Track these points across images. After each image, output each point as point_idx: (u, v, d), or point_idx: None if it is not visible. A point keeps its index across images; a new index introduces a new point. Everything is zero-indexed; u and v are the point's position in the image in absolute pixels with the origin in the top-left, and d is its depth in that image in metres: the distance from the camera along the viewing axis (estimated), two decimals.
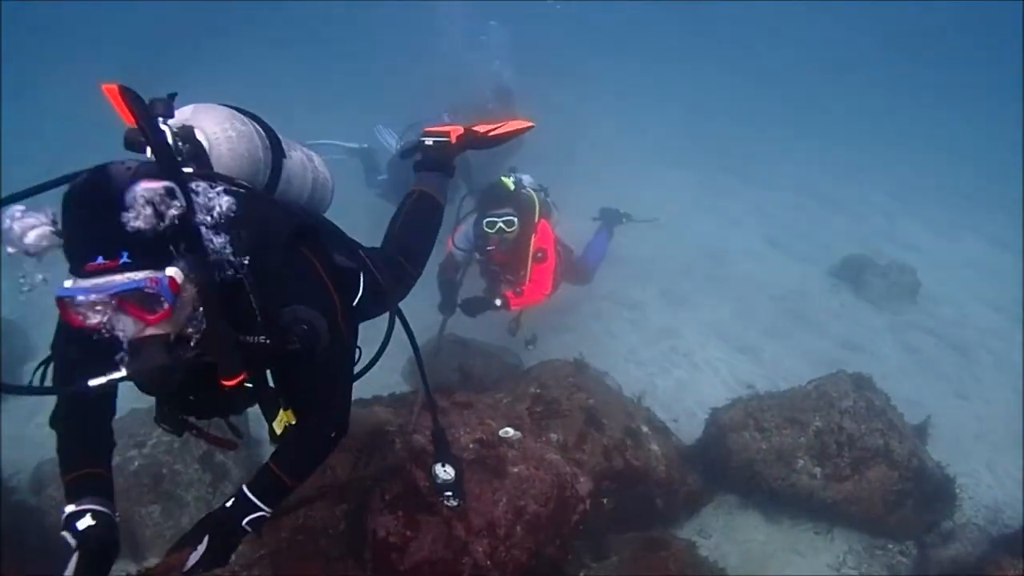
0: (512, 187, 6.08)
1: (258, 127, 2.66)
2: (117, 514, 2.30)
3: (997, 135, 16.37)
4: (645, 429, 4.90)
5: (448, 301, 6.28)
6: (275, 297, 2.18)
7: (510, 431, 3.74)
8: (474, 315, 6.21)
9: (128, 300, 1.83)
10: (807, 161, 13.51)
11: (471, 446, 3.60)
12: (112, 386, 2.23)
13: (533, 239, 6.07)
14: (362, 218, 5.32)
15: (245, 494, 2.39)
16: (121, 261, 1.79)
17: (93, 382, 1.92)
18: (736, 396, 5.69)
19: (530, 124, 3.80)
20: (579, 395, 4.74)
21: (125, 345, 1.90)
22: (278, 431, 2.36)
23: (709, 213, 10.71)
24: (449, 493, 3.29)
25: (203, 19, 18.01)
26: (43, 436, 5.59)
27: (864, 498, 4.90)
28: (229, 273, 2.07)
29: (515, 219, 5.90)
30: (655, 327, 7.64)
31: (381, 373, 6.11)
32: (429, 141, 3.65)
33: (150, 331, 1.88)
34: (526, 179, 6.41)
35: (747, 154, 13.35)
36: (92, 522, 2.18)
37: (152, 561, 4.46)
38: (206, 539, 2.34)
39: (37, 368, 2.33)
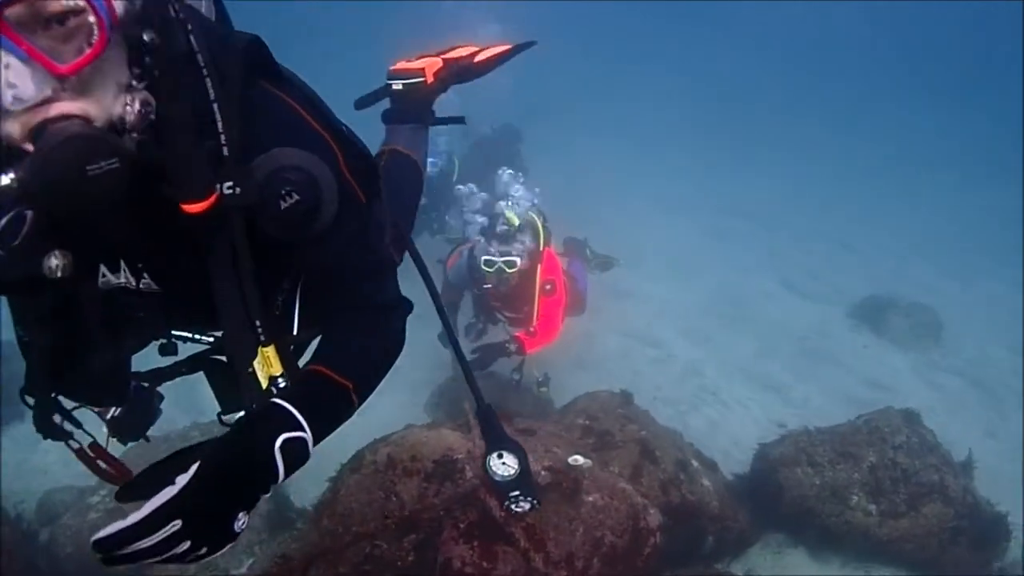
0: (516, 221, 5.56)
1: None
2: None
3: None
4: (695, 463, 4.76)
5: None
6: (245, 134, 1.40)
7: (580, 459, 3.58)
8: (488, 366, 5.67)
9: (35, 31, 1.12)
10: (808, 203, 13.59)
11: (543, 473, 3.42)
12: None
13: (539, 270, 5.62)
14: None
15: (279, 404, 1.42)
16: None
17: None
18: (769, 434, 5.56)
19: (531, 41, 2.96)
20: (631, 427, 4.59)
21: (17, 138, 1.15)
22: (263, 381, 1.50)
23: (719, 254, 10.70)
24: (516, 493, 2.30)
25: None
26: (48, 463, 5.49)
27: (920, 535, 4.76)
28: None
29: (517, 260, 5.48)
30: (680, 365, 7.53)
31: (406, 408, 6.07)
32: (398, 85, 2.80)
33: (61, 106, 1.15)
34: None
35: (750, 196, 13.41)
36: None
37: None
38: (194, 468, 1.25)
39: None
